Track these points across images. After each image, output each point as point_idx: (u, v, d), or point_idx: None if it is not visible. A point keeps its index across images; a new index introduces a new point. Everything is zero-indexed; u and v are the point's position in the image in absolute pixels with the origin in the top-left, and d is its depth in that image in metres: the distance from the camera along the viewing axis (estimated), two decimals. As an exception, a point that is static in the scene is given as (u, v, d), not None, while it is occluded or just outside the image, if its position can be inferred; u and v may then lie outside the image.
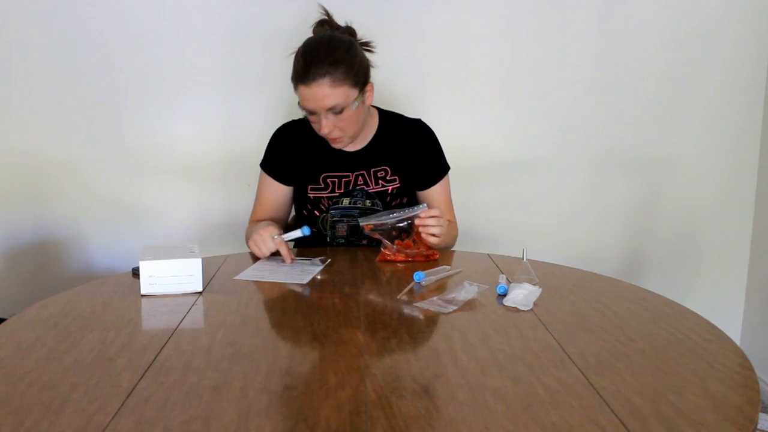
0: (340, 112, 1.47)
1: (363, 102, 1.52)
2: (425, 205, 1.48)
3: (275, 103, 2.20)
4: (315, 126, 1.53)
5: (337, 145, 1.57)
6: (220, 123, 2.22)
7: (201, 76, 2.20)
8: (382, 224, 1.43)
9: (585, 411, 0.78)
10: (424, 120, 1.71)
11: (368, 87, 1.54)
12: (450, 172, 1.71)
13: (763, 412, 1.97)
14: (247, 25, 2.17)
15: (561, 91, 2.29)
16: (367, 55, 1.56)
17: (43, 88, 2.16)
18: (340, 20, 1.59)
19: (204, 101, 2.22)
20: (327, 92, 1.44)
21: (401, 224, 1.44)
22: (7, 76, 2.14)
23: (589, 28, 2.26)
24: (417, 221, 1.44)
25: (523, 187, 2.33)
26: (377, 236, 1.46)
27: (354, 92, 1.48)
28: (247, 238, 1.57)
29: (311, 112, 1.49)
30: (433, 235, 1.45)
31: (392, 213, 1.45)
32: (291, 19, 2.14)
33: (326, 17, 1.57)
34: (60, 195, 2.22)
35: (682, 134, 2.35)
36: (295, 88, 1.49)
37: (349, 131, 1.53)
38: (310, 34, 1.54)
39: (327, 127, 1.48)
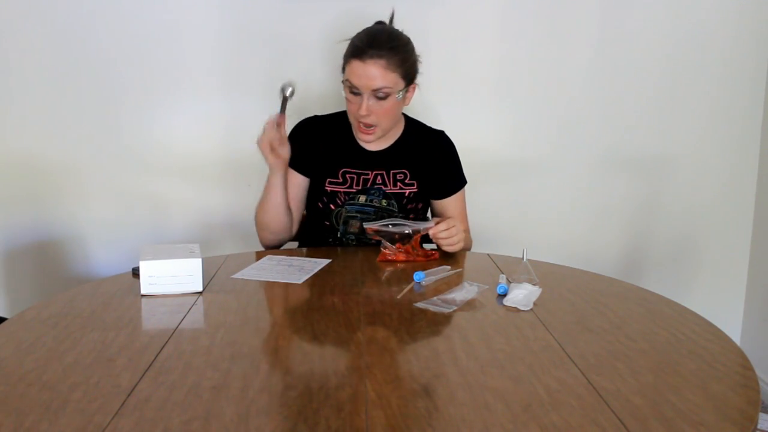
0: (384, 98, 1.51)
1: (404, 98, 1.57)
2: (433, 221, 1.50)
3: (275, 103, 2.20)
4: (351, 108, 1.55)
5: (366, 137, 1.57)
6: (220, 123, 2.21)
7: (201, 76, 2.20)
8: (385, 229, 1.46)
9: (585, 411, 0.78)
10: (428, 123, 1.72)
11: (411, 87, 1.58)
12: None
13: (763, 412, 1.97)
14: (248, 24, 2.17)
15: (561, 91, 2.28)
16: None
17: (43, 88, 2.15)
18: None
19: (204, 101, 2.21)
20: (379, 73, 1.48)
21: (406, 231, 1.47)
22: (6, 75, 2.14)
23: (589, 28, 2.26)
24: (431, 232, 1.47)
25: (523, 187, 2.33)
26: (378, 238, 1.47)
27: (401, 83, 1.53)
28: (259, 224, 1.62)
29: (355, 92, 1.52)
30: (452, 245, 1.49)
31: (398, 222, 1.47)
32: (292, 19, 2.14)
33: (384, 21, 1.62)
34: (60, 195, 2.22)
35: (682, 134, 2.34)
36: (347, 62, 1.52)
37: (383, 122, 1.55)
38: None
39: (366, 109, 1.51)
